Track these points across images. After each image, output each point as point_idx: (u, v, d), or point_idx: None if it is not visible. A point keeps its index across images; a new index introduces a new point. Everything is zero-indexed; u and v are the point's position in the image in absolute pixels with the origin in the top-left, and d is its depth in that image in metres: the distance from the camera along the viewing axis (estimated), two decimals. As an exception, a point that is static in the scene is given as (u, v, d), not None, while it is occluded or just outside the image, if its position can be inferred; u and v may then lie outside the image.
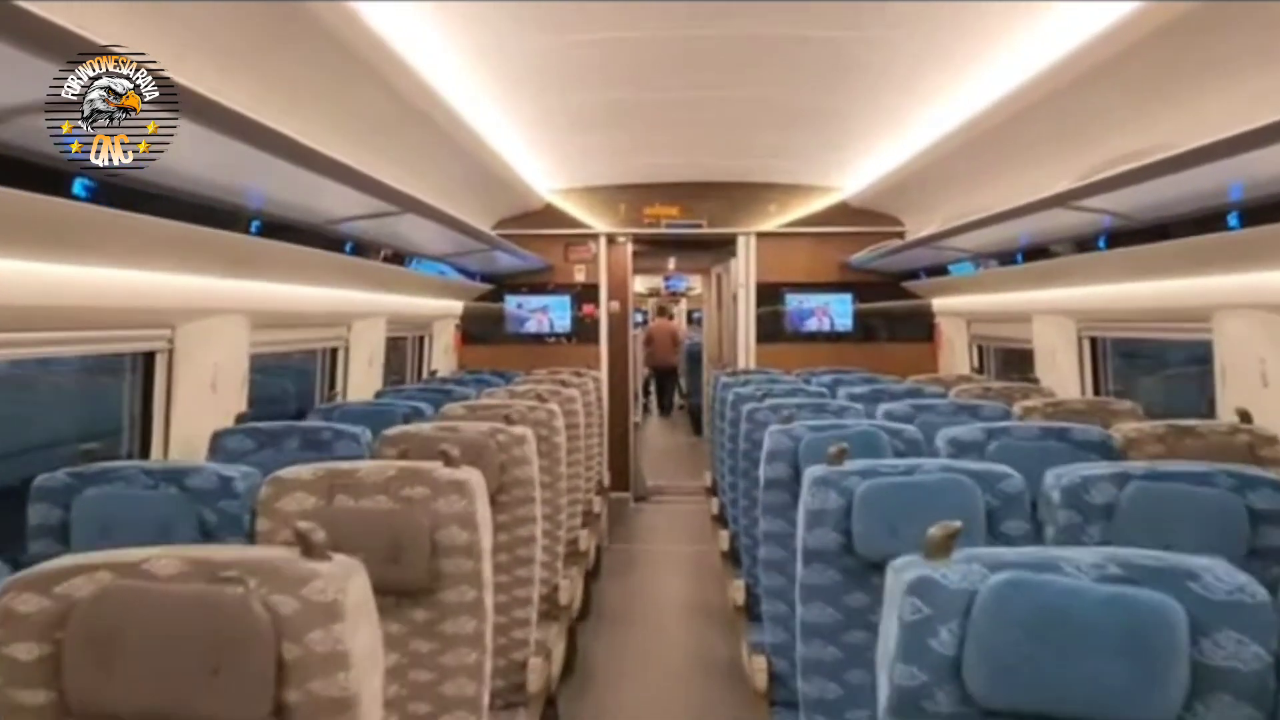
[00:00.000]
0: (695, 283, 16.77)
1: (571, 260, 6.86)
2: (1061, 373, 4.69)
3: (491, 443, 2.81)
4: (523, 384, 5.18)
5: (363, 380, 4.67)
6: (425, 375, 6.07)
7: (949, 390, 4.45)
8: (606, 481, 6.21)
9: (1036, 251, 4.42)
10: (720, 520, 5.06)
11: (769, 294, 6.85)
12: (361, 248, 3.94)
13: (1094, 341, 4.61)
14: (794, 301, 6.85)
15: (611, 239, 7.46)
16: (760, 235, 6.83)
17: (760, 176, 6.65)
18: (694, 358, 13.37)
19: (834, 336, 6.84)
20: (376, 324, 4.88)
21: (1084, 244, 3.83)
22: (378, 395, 4.60)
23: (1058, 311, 4.71)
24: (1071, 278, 4.46)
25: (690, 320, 19.13)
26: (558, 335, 6.90)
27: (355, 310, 4.63)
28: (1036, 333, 4.92)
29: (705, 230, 6.83)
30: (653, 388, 14.76)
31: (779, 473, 2.77)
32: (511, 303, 6.89)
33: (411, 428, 2.93)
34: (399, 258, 4.57)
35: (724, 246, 8.31)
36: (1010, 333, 5.56)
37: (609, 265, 7.66)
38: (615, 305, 8.18)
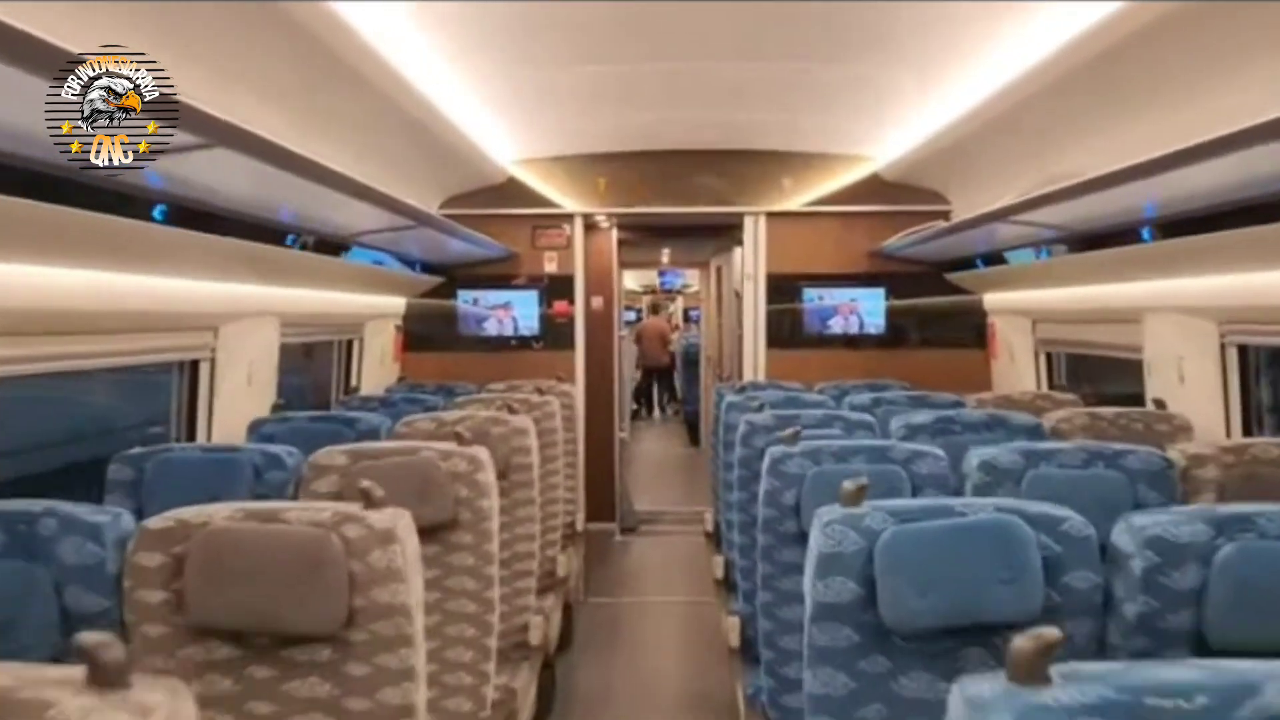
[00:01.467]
0: (693, 279, 15.71)
1: (540, 246, 5.59)
2: (1192, 392, 3.44)
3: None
4: (463, 405, 3.94)
5: (235, 405, 3.41)
6: (345, 393, 4.80)
7: (1041, 420, 3.20)
8: (581, 524, 4.95)
9: (1164, 227, 3.17)
10: (728, 590, 3.82)
11: (783, 288, 5.58)
12: (236, 227, 2.77)
13: (1242, 350, 3.35)
14: (813, 298, 5.58)
15: (590, 222, 6.20)
16: (772, 216, 5.55)
17: (771, 143, 5.39)
18: (691, 360, 12.17)
19: (862, 341, 5.57)
20: (260, 328, 3.61)
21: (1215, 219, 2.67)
22: (253, 428, 3.33)
23: (1187, 309, 3.45)
24: (1206, 263, 3.22)
25: (687, 319, 18.09)
26: (523, 339, 5.62)
27: (225, 309, 3.36)
28: (1151, 337, 3.67)
29: (704, 210, 5.55)
30: (644, 389, 13.95)
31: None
32: (465, 299, 5.62)
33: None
34: (329, 244, 3.61)
35: (727, 233, 7.10)
36: (1100, 336, 4.31)
37: (588, 253, 6.43)
38: (599, 302, 6.95)
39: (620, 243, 7.16)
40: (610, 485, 7.01)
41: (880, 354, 5.52)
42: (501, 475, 2.89)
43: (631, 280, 15.86)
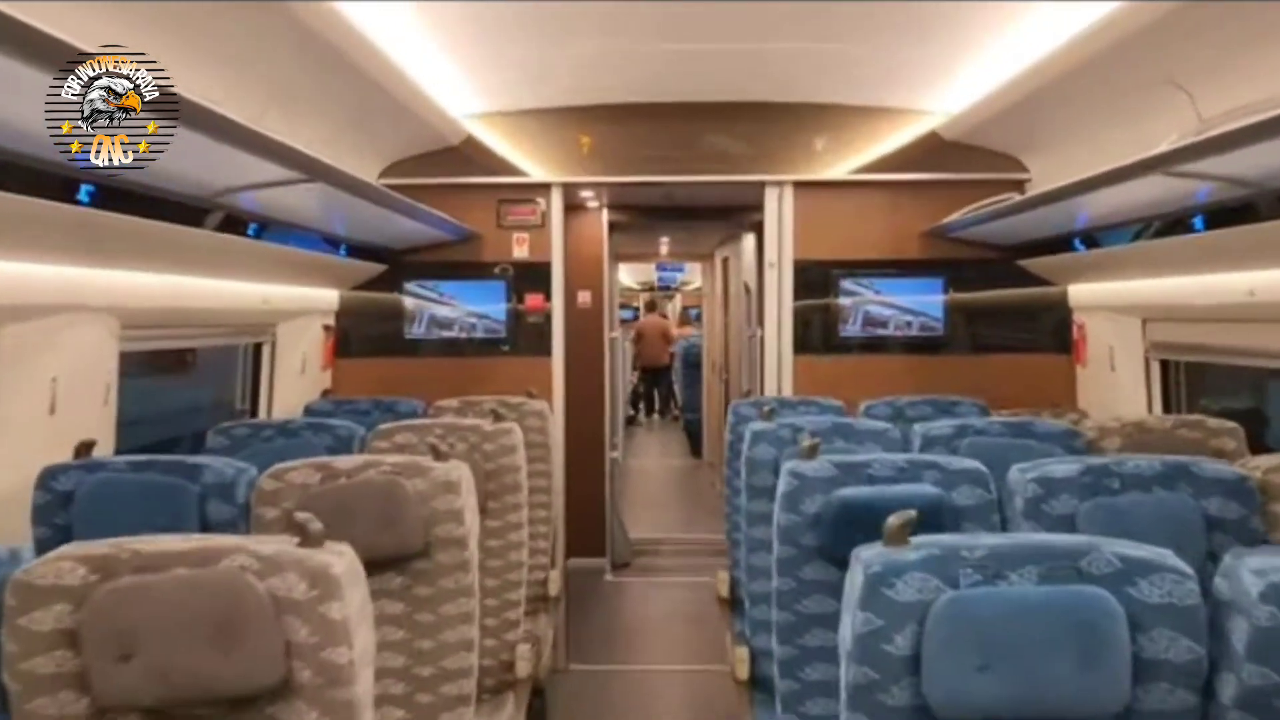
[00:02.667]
0: (693, 274, 14.67)
1: (508, 225, 4.43)
2: None
3: None
4: (385, 437, 2.85)
5: (28, 438, 2.27)
6: (233, 415, 3.64)
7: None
8: (556, 585, 3.81)
9: None
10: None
11: (814, 280, 4.42)
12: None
13: None
14: (853, 291, 4.41)
15: (574, 200, 5.06)
16: (801, 187, 4.39)
17: (801, 93, 4.24)
18: (691, 362, 11.04)
19: (915, 345, 4.41)
20: (79, 328, 2.46)
21: None
22: (42, 477, 2.19)
23: None
24: None
25: (687, 318, 17.10)
26: (486, 342, 4.46)
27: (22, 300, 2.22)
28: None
29: (715, 180, 4.39)
30: (641, 391, 13.45)
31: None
32: (413, 292, 4.45)
33: None
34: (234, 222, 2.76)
35: (738, 215, 5.96)
36: (1244, 340, 3.19)
37: (572, 238, 5.29)
38: (586, 298, 5.82)
39: (612, 227, 6.02)
40: (599, 515, 5.88)
41: (937, 362, 4.37)
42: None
43: (626, 275, 14.84)
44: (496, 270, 4.41)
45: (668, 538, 6.81)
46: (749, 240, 7.02)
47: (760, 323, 4.74)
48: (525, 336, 4.44)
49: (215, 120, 1.92)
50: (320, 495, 2.15)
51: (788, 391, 4.35)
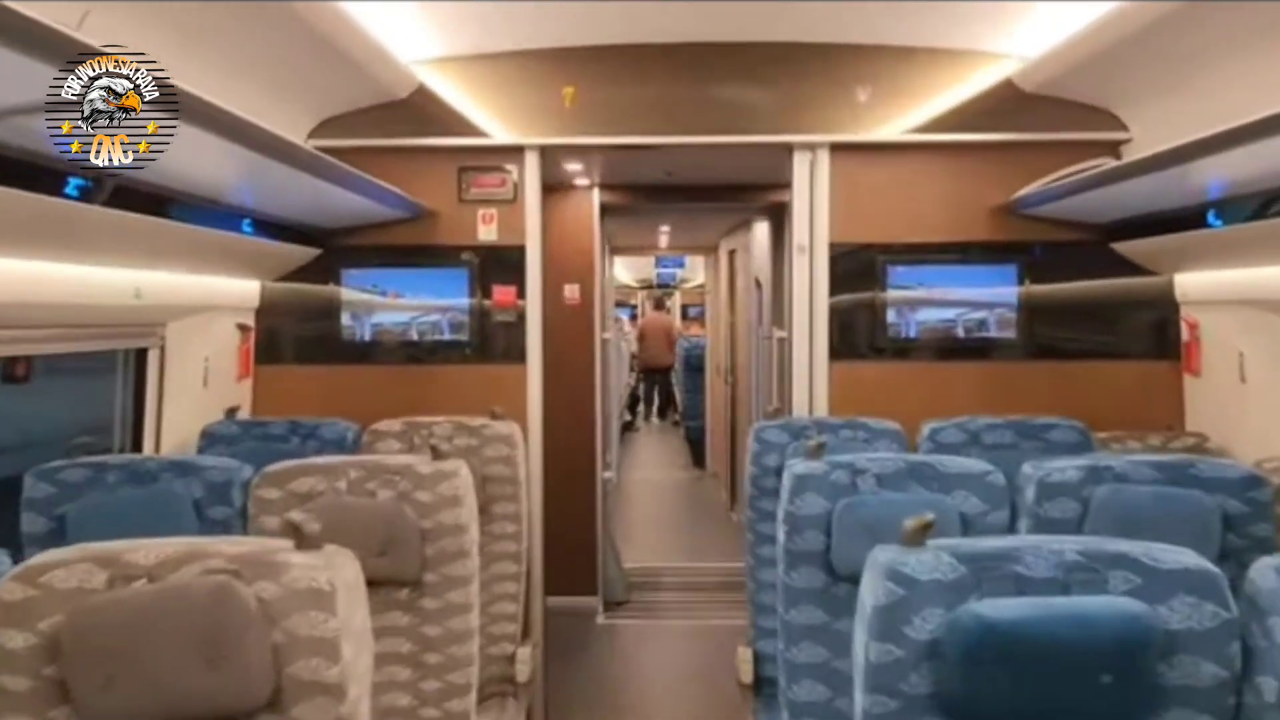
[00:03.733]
0: (694, 270, 13.88)
1: (471, 199, 3.52)
2: None
3: None
4: (278, 480, 2.01)
5: None
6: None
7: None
8: (526, 666, 2.93)
9: None
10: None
11: (855, 267, 3.51)
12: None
13: None
14: (904, 280, 3.51)
15: (560, 173, 4.20)
16: (840, 150, 3.49)
17: (840, 32, 3.35)
18: (693, 365, 10.18)
19: (984, 349, 3.51)
20: None
21: None
22: None
23: None
24: None
25: (687, 316, 16.29)
26: (443, 346, 3.56)
27: None
28: None
29: (731, 141, 3.49)
30: (641, 393, 12.96)
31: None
32: (353, 283, 3.54)
33: None
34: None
35: (750, 196, 5.11)
36: None
37: (557, 218, 4.46)
38: (574, 293, 4.97)
39: (605, 212, 5.17)
40: (589, 547, 5.03)
41: (1009, 370, 3.47)
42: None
43: (623, 272, 14.02)
44: (460, 257, 3.53)
45: (670, 567, 5.95)
46: (760, 228, 6.19)
47: (783, 322, 3.86)
48: (493, 339, 3.54)
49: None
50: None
51: (821, 407, 3.46)
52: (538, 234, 3.53)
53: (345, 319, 3.52)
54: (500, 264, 3.51)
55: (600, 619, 5.08)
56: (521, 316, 3.54)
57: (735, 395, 7.55)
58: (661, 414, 12.98)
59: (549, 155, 3.56)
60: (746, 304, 6.99)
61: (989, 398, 3.33)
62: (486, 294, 3.52)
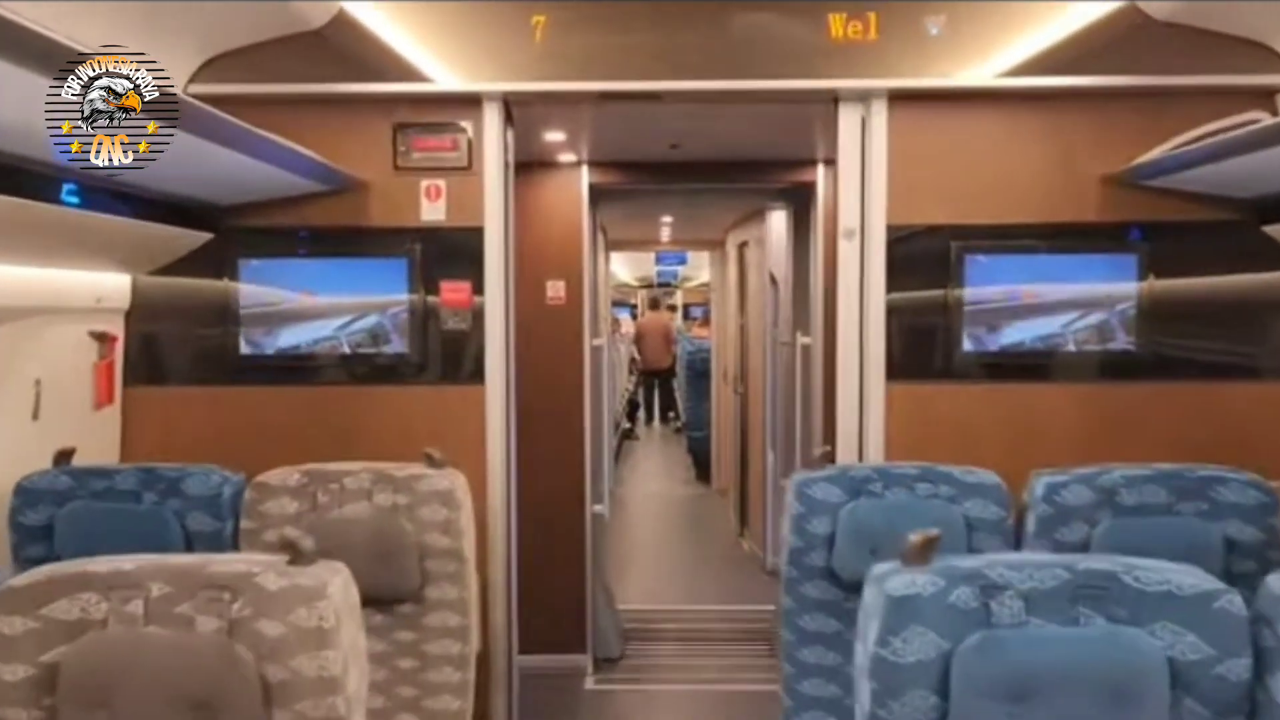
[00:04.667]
0: (696, 269, 13.13)
1: (412, 167, 2.64)
2: None
3: None
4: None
5: None
6: None
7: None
8: None
9: None
10: None
11: (921, 254, 2.63)
12: None
13: None
14: (985, 274, 2.64)
15: (537, 143, 3.38)
16: (901, 101, 2.60)
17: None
18: (698, 370, 9.30)
19: (1097, 366, 2.63)
20: None
21: None
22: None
23: None
24: None
25: (688, 316, 15.52)
26: (376, 363, 2.68)
27: None
28: None
29: (762, 85, 2.60)
30: (640, 397, 12.35)
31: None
32: (255, 278, 2.66)
33: None
34: None
35: (771, 175, 4.28)
36: None
37: (536, 201, 3.64)
38: (559, 289, 4.15)
39: (597, 197, 4.36)
40: (576, 596, 4.21)
41: (1132, 393, 2.60)
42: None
43: (622, 269, 13.28)
44: (397, 243, 2.66)
45: (674, 611, 5.10)
46: (777, 217, 5.35)
47: (808, 326, 3.00)
48: (441, 352, 2.67)
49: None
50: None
51: (876, 445, 2.60)
52: (501, 213, 2.66)
53: (245, 325, 2.65)
54: (451, 252, 2.64)
55: (589, 682, 4.22)
56: (479, 320, 2.67)
57: (746, 406, 6.70)
58: (663, 418, 12.40)
59: (515, 107, 2.69)
60: (759, 304, 6.14)
61: (1104, 434, 2.48)
62: (433, 291, 2.66)
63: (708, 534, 7.00)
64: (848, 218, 2.66)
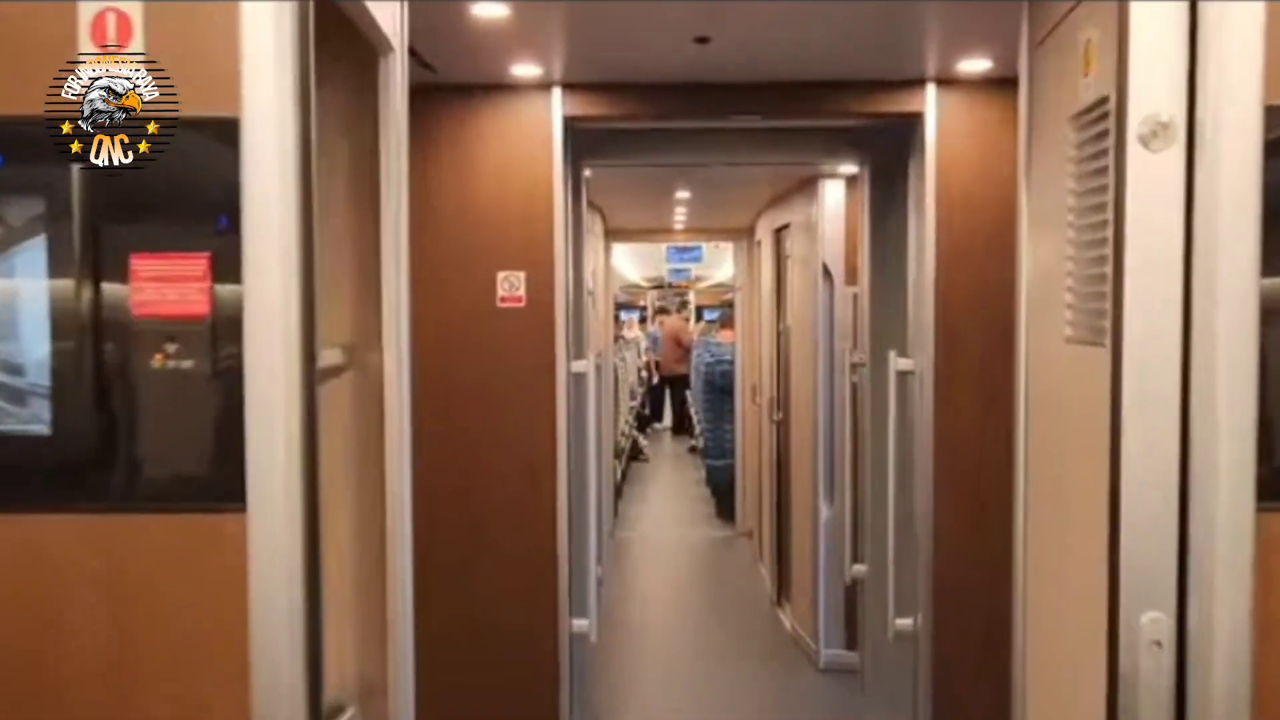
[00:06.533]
0: (710, 268, 11.79)
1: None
2: None
3: None
4: None
5: None
6: None
7: None
8: None
9: None
10: None
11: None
12: None
13: None
14: None
15: (487, 61, 1.83)
16: None
17: None
18: (717, 385, 7.75)
19: None
20: None
21: None
22: None
23: None
24: None
25: (700, 318, 14.10)
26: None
27: None
28: None
29: None
30: (647, 407, 11.63)
31: None
32: None
33: None
34: None
35: (858, 98, 2.71)
36: None
37: (462, 142, 2.08)
38: (516, 284, 2.59)
39: (577, 139, 2.84)
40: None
41: None
42: None
43: (628, 267, 11.95)
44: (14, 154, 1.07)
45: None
46: (834, 189, 3.85)
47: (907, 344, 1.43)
48: (136, 430, 1.07)
49: None
50: None
51: (1239, 634, 1.02)
52: (292, 90, 1.07)
53: None
54: (160, 182, 1.06)
55: None
56: (229, 340, 1.07)
57: (785, 436, 5.12)
58: (675, 430, 11.62)
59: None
60: (806, 307, 4.57)
61: None
62: (115, 276, 1.06)
63: (734, 598, 5.58)
64: (1153, 99, 1.07)
